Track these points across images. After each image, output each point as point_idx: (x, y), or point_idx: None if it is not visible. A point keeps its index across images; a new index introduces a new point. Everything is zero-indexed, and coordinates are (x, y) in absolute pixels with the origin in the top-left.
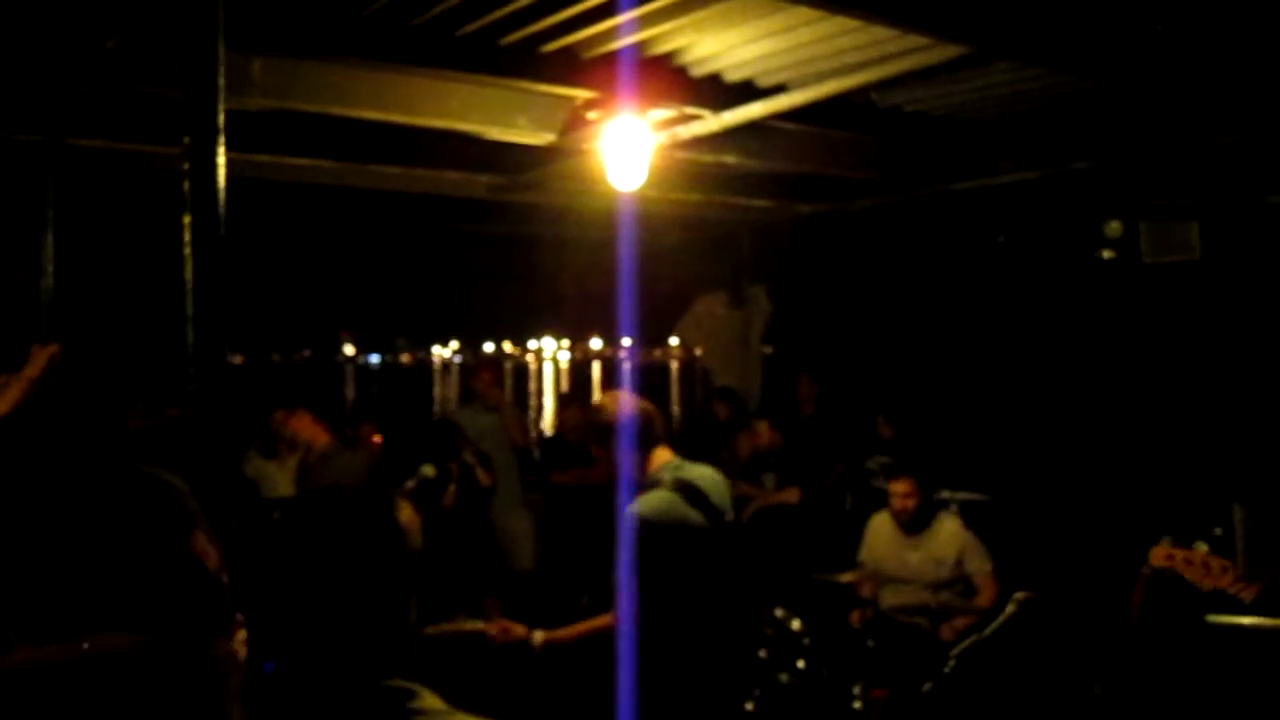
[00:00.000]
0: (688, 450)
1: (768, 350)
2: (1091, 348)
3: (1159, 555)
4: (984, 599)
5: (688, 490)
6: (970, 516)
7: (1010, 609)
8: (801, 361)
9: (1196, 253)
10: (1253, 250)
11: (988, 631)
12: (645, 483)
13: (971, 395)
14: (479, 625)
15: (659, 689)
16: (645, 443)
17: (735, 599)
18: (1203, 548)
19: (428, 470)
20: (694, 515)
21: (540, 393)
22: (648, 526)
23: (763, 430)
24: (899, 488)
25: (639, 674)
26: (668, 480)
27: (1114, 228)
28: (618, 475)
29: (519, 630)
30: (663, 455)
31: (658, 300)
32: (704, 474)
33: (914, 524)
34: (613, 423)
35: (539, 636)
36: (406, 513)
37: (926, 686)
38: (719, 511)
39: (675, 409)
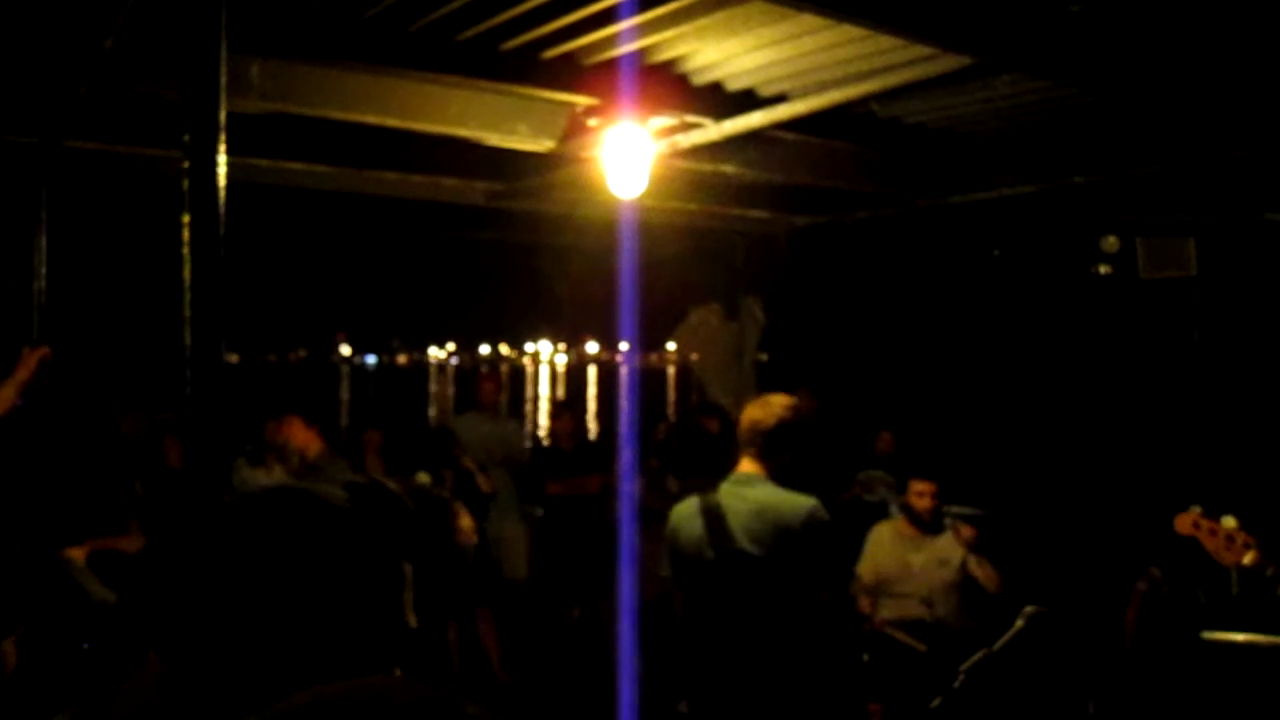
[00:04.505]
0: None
1: (763, 357)
2: (1087, 363)
3: (1185, 522)
4: (992, 586)
5: (706, 505)
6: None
7: (1019, 624)
8: (797, 374)
9: (1193, 269)
10: (1249, 267)
11: (997, 646)
12: None
13: (967, 409)
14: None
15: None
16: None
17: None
18: (1231, 522)
19: (422, 478)
20: (692, 529)
21: (536, 397)
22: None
23: None
24: (922, 487)
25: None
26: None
27: (1111, 243)
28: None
29: None
30: (743, 467)
31: (653, 308)
32: (740, 494)
33: (931, 525)
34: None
35: None
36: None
37: (936, 702)
38: (728, 535)
39: (670, 414)
